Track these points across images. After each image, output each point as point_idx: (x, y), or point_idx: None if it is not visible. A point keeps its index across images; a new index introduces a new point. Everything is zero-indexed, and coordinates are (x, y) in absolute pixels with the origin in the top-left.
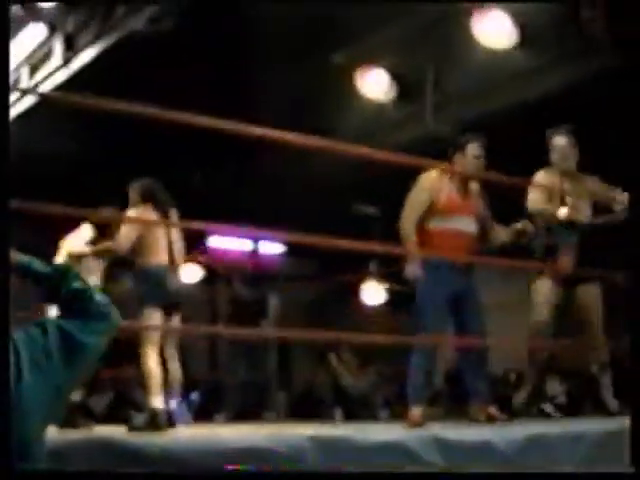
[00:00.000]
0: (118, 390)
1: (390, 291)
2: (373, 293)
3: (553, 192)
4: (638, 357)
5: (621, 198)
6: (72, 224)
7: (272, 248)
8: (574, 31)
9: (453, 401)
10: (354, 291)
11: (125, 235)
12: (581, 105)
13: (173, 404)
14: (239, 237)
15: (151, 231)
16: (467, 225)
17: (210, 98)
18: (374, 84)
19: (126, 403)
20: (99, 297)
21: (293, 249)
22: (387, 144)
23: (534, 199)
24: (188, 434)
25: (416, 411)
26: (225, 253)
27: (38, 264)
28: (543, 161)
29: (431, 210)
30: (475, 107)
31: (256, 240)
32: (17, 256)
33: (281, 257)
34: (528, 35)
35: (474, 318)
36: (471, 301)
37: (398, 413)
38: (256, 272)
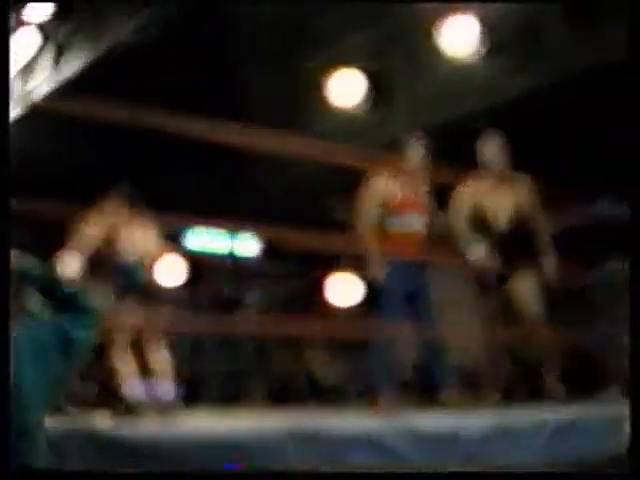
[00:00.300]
0: (103, 379)
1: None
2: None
3: (475, 196)
4: (638, 355)
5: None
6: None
7: (251, 248)
8: (538, 39)
9: (423, 390)
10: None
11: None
12: (545, 110)
13: (163, 390)
14: (217, 233)
15: (126, 227)
16: (417, 223)
17: (191, 104)
18: (345, 89)
19: (110, 392)
20: (88, 294)
21: (272, 249)
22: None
23: (455, 207)
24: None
25: (383, 399)
26: (205, 252)
27: (36, 267)
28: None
29: (384, 210)
30: (443, 112)
31: (235, 240)
32: (19, 261)
33: (259, 257)
34: (493, 42)
35: (426, 315)
36: (423, 298)
37: (371, 402)
38: (235, 271)
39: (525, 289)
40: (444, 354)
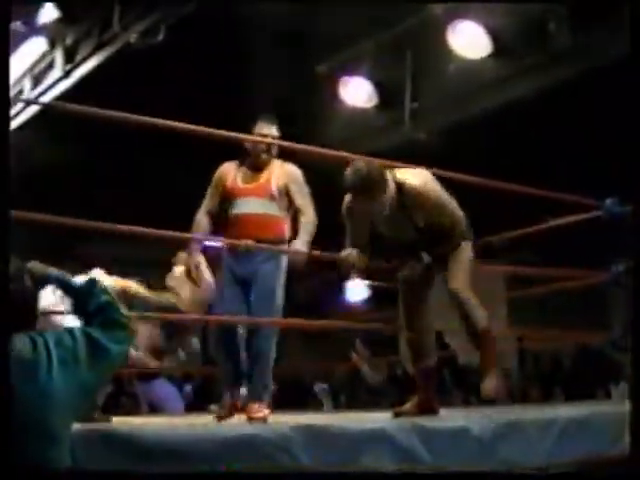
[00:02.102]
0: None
1: (372, 287)
2: (356, 290)
3: None
4: (639, 353)
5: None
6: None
7: None
8: (542, 42)
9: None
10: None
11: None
12: (550, 112)
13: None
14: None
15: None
16: (254, 207)
17: (200, 107)
18: (355, 92)
19: (122, 394)
20: (122, 309)
21: None
22: (368, 150)
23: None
24: (180, 423)
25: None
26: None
27: (68, 277)
28: (515, 165)
29: (223, 197)
30: (450, 114)
31: None
32: (48, 269)
33: None
34: (499, 46)
35: (261, 303)
36: (259, 285)
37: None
38: None
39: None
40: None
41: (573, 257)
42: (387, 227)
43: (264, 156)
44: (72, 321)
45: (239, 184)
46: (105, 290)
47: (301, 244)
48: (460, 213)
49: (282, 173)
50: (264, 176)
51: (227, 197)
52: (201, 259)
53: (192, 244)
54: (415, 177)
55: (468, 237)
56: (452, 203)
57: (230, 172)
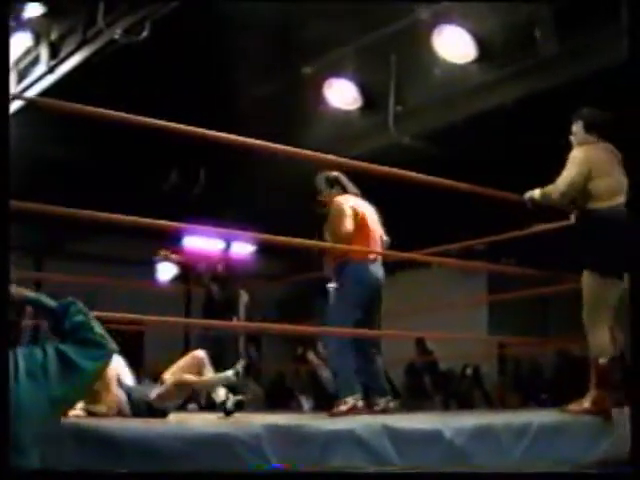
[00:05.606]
0: None
1: None
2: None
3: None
4: (639, 357)
5: None
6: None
7: (243, 248)
8: (528, 48)
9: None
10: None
11: None
12: (535, 118)
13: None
14: (211, 237)
15: None
16: None
17: (184, 105)
18: (340, 94)
19: None
20: (98, 329)
21: (264, 249)
22: (351, 152)
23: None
24: (153, 425)
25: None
26: (199, 252)
27: (45, 299)
28: (500, 170)
29: None
30: (434, 118)
31: (228, 240)
32: (26, 292)
33: (252, 257)
34: (485, 51)
35: None
36: None
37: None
38: (227, 271)
39: None
40: None
41: (554, 263)
42: None
43: None
44: None
45: None
46: (80, 310)
47: None
48: None
49: None
50: None
51: None
52: None
53: None
54: None
55: None
56: None
57: None
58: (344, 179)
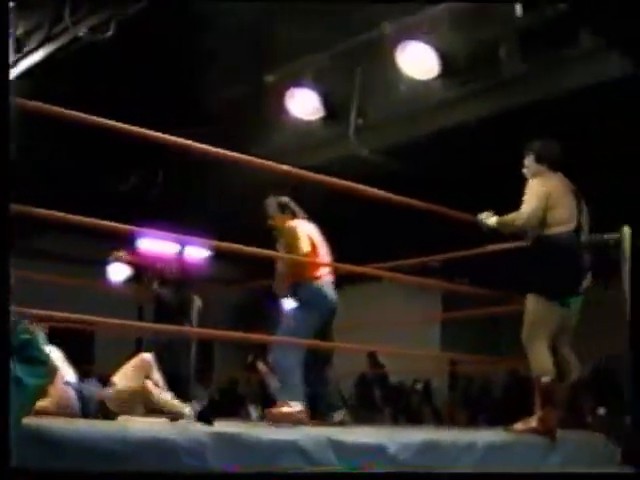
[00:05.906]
0: None
1: None
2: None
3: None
4: (638, 360)
5: None
6: None
7: (199, 252)
8: (492, 67)
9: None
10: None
11: None
12: (497, 136)
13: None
14: (166, 240)
15: None
16: None
17: (150, 104)
18: (302, 104)
19: None
20: (43, 346)
21: (220, 254)
22: (309, 162)
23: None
24: (97, 425)
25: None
26: (153, 254)
27: None
28: (461, 187)
29: None
30: (396, 133)
31: (182, 243)
32: None
33: (208, 261)
34: (448, 68)
35: None
36: None
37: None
38: (180, 274)
39: None
40: None
41: (504, 283)
42: None
43: None
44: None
45: None
46: (26, 330)
47: None
48: None
49: None
50: None
51: None
52: None
53: None
54: None
55: None
56: None
57: None
58: (293, 204)
